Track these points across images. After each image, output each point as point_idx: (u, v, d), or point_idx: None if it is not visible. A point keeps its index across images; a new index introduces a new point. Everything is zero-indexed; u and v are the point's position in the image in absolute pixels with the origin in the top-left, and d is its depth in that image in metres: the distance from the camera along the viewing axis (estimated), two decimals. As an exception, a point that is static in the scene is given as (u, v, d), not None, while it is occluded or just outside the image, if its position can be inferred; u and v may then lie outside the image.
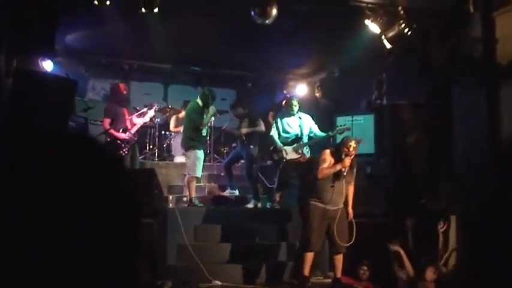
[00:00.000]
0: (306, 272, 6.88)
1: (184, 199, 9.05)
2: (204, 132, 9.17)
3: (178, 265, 7.64)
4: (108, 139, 8.48)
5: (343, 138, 7.11)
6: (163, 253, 7.54)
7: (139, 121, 8.98)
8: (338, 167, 6.71)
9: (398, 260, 7.07)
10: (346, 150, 6.70)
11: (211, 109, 9.03)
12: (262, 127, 9.40)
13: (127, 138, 8.52)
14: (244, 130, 9.40)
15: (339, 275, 6.90)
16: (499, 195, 0.99)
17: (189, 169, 8.81)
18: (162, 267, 7.20)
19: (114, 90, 9.03)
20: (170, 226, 7.73)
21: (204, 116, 8.94)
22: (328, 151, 6.94)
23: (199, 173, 8.87)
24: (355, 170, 6.96)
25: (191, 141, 8.86)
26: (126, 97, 9.38)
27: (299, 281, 7.03)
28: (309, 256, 6.87)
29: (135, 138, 8.80)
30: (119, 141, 8.46)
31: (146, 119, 9.14)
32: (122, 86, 9.10)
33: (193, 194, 8.81)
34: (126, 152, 8.47)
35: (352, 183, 7.04)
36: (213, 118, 9.72)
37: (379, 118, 9.01)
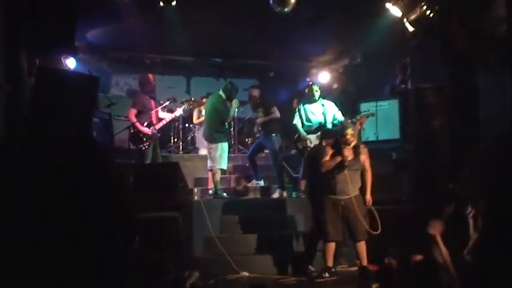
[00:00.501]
0: (329, 262, 6.85)
1: (210, 192, 9.08)
2: (226, 125, 9.18)
3: (204, 257, 7.68)
4: (132, 131, 8.54)
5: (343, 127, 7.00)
6: (189, 245, 7.55)
7: (166, 116, 9.02)
8: (338, 158, 6.62)
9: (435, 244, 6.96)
10: (344, 139, 6.62)
11: (235, 102, 9.04)
12: (276, 113, 9.29)
13: (150, 133, 8.54)
14: (259, 120, 9.39)
15: (364, 263, 6.77)
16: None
17: (214, 161, 8.80)
18: (188, 259, 7.22)
19: (143, 80, 9.02)
20: (196, 218, 7.75)
21: (229, 109, 8.93)
22: (329, 142, 6.87)
23: (224, 164, 8.89)
24: (362, 157, 6.79)
25: (216, 134, 8.86)
26: (155, 87, 9.39)
27: (321, 271, 6.95)
28: (330, 246, 6.83)
29: (159, 134, 8.80)
30: (141, 135, 8.50)
31: (173, 115, 9.20)
32: (150, 76, 9.12)
33: (219, 186, 8.82)
34: (147, 147, 8.50)
35: (369, 170, 6.89)
36: (236, 110, 9.71)
37: (404, 103, 8.88)
